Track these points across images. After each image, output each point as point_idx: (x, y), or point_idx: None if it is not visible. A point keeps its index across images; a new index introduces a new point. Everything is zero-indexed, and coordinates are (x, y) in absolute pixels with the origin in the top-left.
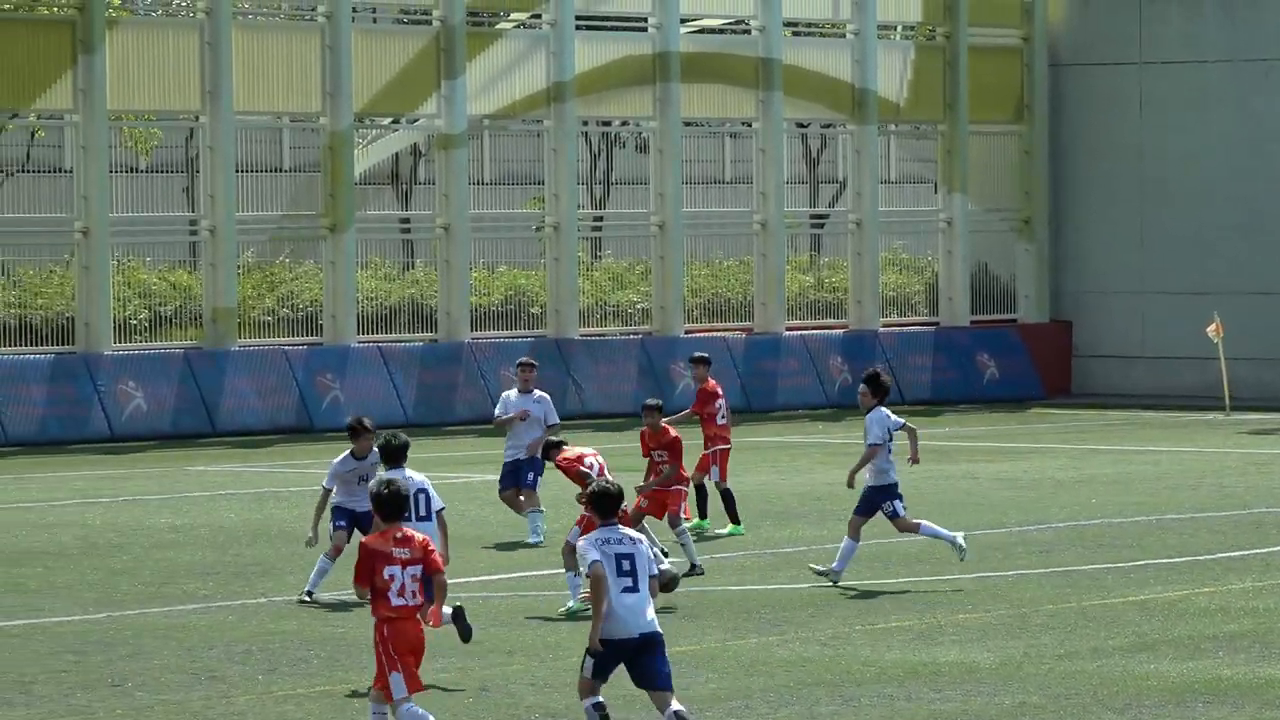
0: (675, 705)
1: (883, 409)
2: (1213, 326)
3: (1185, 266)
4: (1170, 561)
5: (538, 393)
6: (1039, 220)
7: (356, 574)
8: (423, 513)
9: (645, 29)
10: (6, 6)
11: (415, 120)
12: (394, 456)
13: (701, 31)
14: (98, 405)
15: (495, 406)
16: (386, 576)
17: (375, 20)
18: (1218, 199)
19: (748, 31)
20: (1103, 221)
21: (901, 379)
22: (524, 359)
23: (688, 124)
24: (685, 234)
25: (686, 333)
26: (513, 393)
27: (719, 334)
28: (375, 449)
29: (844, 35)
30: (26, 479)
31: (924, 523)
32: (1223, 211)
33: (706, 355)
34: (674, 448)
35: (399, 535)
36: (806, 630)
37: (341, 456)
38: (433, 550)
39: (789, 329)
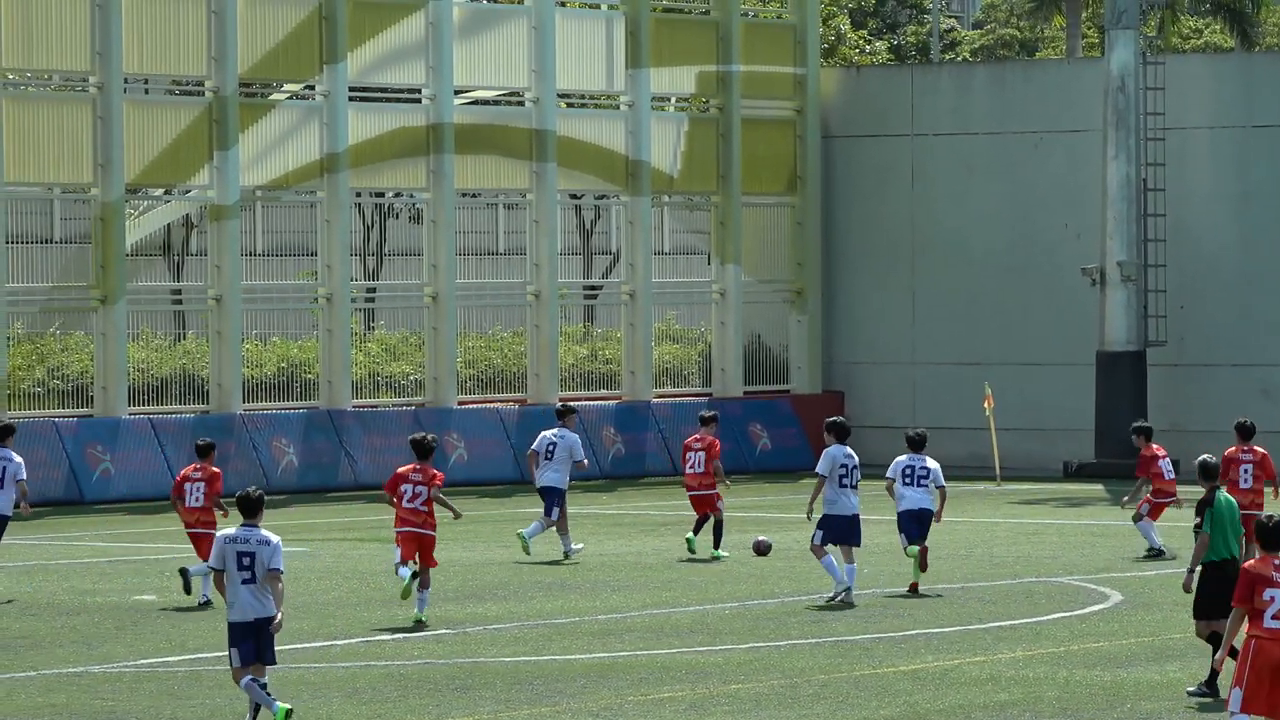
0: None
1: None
2: (986, 399)
3: (955, 337)
4: (941, 631)
5: None
6: (811, 291)
7: None
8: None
9: (419, 100)
10: None
11: (187, 191)
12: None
13: (475, 103)
14: None
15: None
16: None
17: (147, 91)
18: (987, 269)
19: (521, 103)
20: (874, 292)
21: (675, 451)
22: None
23: (462, 195)
24: (458, 305)
25: (460, 404)
26: None
27: (493, 405)
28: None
29: (618, 107)
30: None
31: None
32: (992, 281)
33: (715, 413)
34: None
35: None
36: (579, 701)
37: None
38: None
39: (562, 400)
